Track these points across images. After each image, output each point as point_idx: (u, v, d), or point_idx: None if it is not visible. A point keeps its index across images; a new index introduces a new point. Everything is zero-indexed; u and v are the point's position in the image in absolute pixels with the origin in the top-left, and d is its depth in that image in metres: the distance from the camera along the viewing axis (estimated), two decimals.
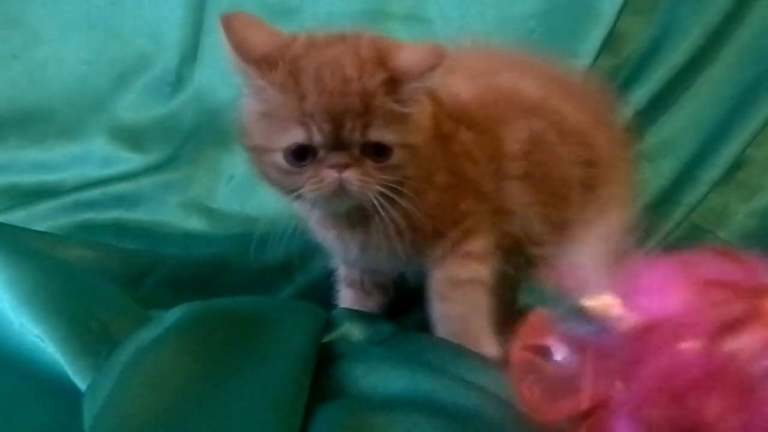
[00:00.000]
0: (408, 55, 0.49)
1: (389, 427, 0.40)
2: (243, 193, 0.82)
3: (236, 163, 0.84)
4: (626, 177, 0.64)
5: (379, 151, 0.49)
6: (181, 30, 0.87)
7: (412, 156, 0.50)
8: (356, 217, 0.53)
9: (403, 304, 0.65)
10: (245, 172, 0.83)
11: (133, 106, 0.87)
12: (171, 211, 0.79)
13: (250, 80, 0.49)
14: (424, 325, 0.58)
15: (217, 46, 0.84)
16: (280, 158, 0.48)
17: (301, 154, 0.48)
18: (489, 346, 0.54)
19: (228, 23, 0.49)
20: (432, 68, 0.48)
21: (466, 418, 0.42)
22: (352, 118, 0.47)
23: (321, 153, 0.48)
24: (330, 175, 0.48)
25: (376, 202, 0.49)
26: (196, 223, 0.79)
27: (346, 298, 0.64)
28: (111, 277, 0.60)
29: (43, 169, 0.84)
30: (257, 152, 0.50)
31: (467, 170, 0.56)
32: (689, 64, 0.82)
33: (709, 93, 0.82)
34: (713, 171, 0.80)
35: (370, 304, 0.63)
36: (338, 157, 0.48)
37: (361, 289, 0.64)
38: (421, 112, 0.51)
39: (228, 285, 0.64)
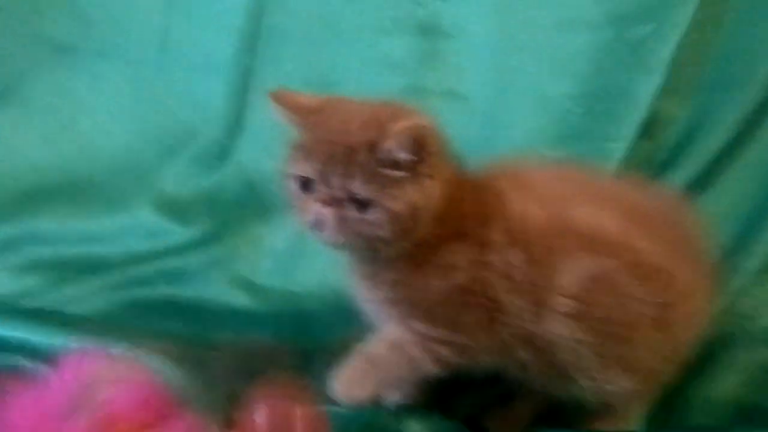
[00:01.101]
0: (401, 125, 0.53)
1: None
2: (286, 267, 0.83)
3: (279, 237, 0.86)
4: (704, 313, 0.63)
5: (359, 203, 0.53)
6: (227, 103, 0.89)
7: (392, 221, 0.54)
8: (365, 270, 0.58)
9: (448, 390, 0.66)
10: (288, 247, 0.85)
11: (178, 178, 0.89)
12: (217, 288, 0.81)
13: (291, 124, 0.57)
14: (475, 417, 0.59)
15: (260, 118, 0.90)
16: (292, 183, 0.56)
17: (305, 185, 0.55)
18: (362, 392, 0.59)
19: (276, 93, 0.58)
20: (406, 139, 0.53)
21: None
22: (336, 165, 0.53)
23: (316, 187, 0.54)
24: (314, 207, 0.54)
25: (354, 251, 0.55)
26: (241, 300, 0.80)
27: None
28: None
29: (90, 241, 0.85)
30: (284, 177, 0.57)
31: (497, 290, 0.56)
32: (726, 149, 0.83)
33: (746, 178, 0.83)
34: (753, 259, 0.79)
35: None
36: (325, 194, 0.54)
37: None
38: (424, 189, 0.54)
39: (280, 370, 0.65)
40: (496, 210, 0.58)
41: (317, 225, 0.55)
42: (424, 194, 0.55)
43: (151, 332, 0.67)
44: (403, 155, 0.53)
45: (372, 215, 0.53)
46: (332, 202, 0.54)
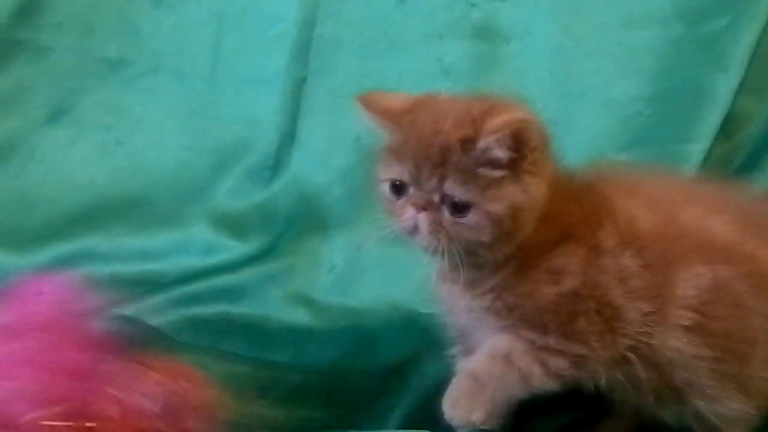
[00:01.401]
0: (498, 120, 0.50)
1: None
2: (345, 283, 0.81)
3: (337, 252, 0.83)
4: None
5: (456, 206, 0.50)
6: (279, 115, 0.87)
7: (492, 223, 0.50)
8: (463, 275, 0.54)
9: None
10: (346, 261, 0.83)
11: (232, 193, 0.87)
12: (274, 304, 0.79)
13: (382, 127, 0.55)
14: None
15: (314, 130, 0.88)
16: (386, 188, 0.54)
17: (398, 189, 0.53)
18: (478, 415, 0.54)
19: (364, 97, 0.55)
20: (503, 135, 0.49)
21: None
22: (430, 167, 0.50)
23: (410, 191, 0.52)
24: (409, 211, 0.52)
25: (455, 257, 0.51)
26: (300, 317, 0.78)
27: None
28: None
29: (145, 257, 0.84)
30: (376, 183, 0.55)
31: (613, 294, 0.53)
32: None
33: None
34: None
35: None
36: (419, 198, 0.51)
37: None
38: (526, 188, 0.51)
39: (345, 393, 0.62)
40: (606, 213, 0.54)
41: (412, 230, 0.52)
42: (526, 193, 0.51)
43: (210, 350, 0.65)
44: (501, 152, 0.50)
45: (470, 218, 0.50)
46: (427, 205, 0.51)
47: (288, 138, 0.87)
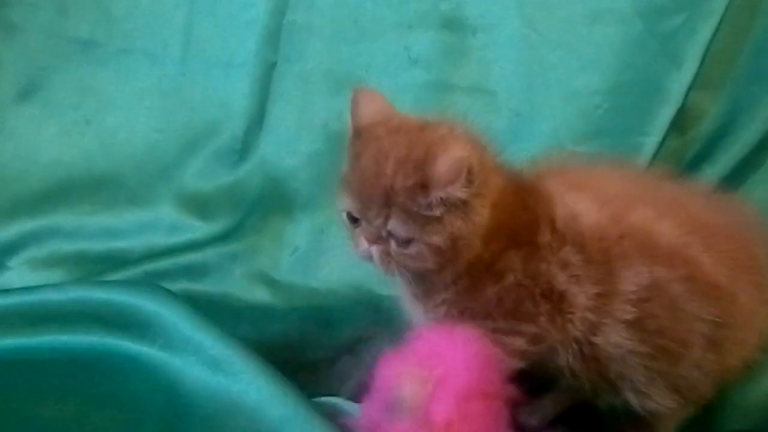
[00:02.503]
0: (441, 164, 0.52)
1: None
2: (307, 264, 0.82)
3: (301, 234, 0.85)
4: (758, 340, 0.60)
5: (399, 240, 0.53)
6: (249, 99, 0.89)
7: (433, 253, 0.53)
8: (420, 292, 0.57)
9: None
10: (309, 243, 0.84)
11: (200, 174, 0.88)
12: (237, 283, 0.80)
13: (348, 143, 0.57)
14: None
15: (283, 115, 0.89)
16: (344, 216, 0.56)
17: (353, 219, 0.55)
18: None
19: (354, 96, 0.57)
20: (453, 182, 0.51)
21: None
22: (375, 207, 0.53)
23: (361, 223, 0.55)
24: (363, 243, 0.55)
25: (405, 278, 0.55)
26: (261, 296, 0.80)
27: None
28: None
29: (111, 236, 0.85)
30: (338, 211, 0.57)
31: (555, 279, 0.55)
32: (760, 143, 0.81)
33: None
34: None
35: None
36: (369, 232, 0.54)
37: None
38: (468, 216, 0.53)
39: (298, 367, 0.64)
40: (544, 212, 0.56)
41: (367, 258, 0.56)
42: (467, 221, 0.53)
43: None
44: (455, 196, 0.52)
45: (412, 250, 0.53)
46: (376, 239, 0.54)
47: (257, 122, 0.89)
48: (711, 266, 0.56)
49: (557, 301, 0.55)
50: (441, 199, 0.51)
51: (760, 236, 0.62)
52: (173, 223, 0.86)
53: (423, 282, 0.56)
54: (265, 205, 0.87)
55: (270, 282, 0.81)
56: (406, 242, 0.53)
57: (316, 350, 0.70)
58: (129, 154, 0.88)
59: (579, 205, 0.57)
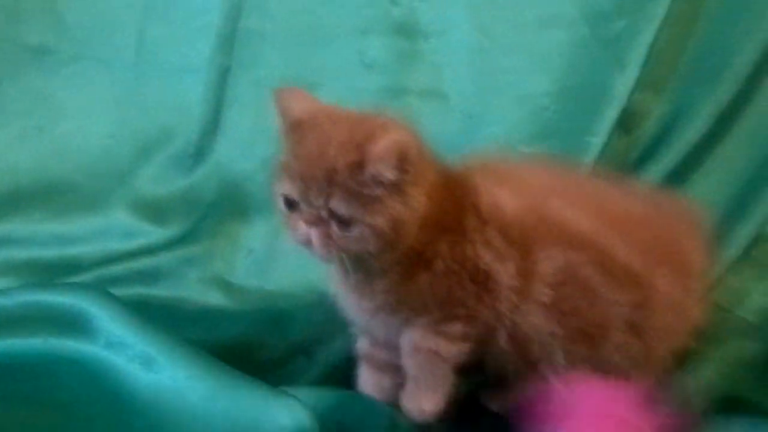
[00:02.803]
0: (382, 145, 0.53)
1: None
2: (262, 267, 0.83)
3: (256, 237, 0.85)
4: (688, 326, 0.62)
5: (342, 221, 0.54)
6: (203, 104, 0.89)
7: (375, 236, 0.54)
8: (355, 279, 0.58)
9: None
10: (265, 246, 0.85)
11: (154, 179, 0.88)
12: (191, 287, 0.80)
13: (281, 136, 0.57)
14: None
15: (237, 119, 0.90)
16: (281, 202, 0.56)
17: (291, 204, 0.56)
18: (428, 404, 0.60)
19: (278, 94, 0.58)
20: (386, 161, 0.53)
21: None
22: (317, 187, 0.54)
23: (301, 206, 0.55)
24: (301, 227, 0.55)
25: (346, 265, 0.55)
26: (216, 299, 0.79)
27: (364, 378, 0.65)
28: None
29: (64, 242, 0.84)
30: (274, 196, 0.57)
31: (480, 260, 0.57)
32: (702, 142, 0.84)
33: (722, 171, 0.83)
34: (729, 249, 0.80)
35: (386, 384, 0.65)
36: (309, 214, 0.54)
37: (377, 367, 0.65)
38: (407, 201, 0.54)
39: (252, 368, 0.64)
40: (470, 202, 0.58)
41: (306, 243, 0.56)
42: (407, 206, 0.55)
43: None
44: (388, 175, 0.53)
45: (355, 232, 0.54)
46: (316, 221, 0.54)
47: (211, 126, 0.89)
48: (624, 253, 0.59)
49: (483, 280, 0.58)
50: (373, 176, 0.53)
51: (692, 229, 0.65)
52: (127, 229, 0.85)
53: (361, 268, 0.57)
54: (220, 209, 0.87)
55: (225, 285, 0.81)
56: (348, 223, 0.53)
57: (269, 351, 0.70)
58: (82, 161, 0.88)
59: (501, 196, 0.59)
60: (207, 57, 0.88)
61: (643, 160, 0.85)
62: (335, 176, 0.53)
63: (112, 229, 0.85)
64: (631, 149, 0.85)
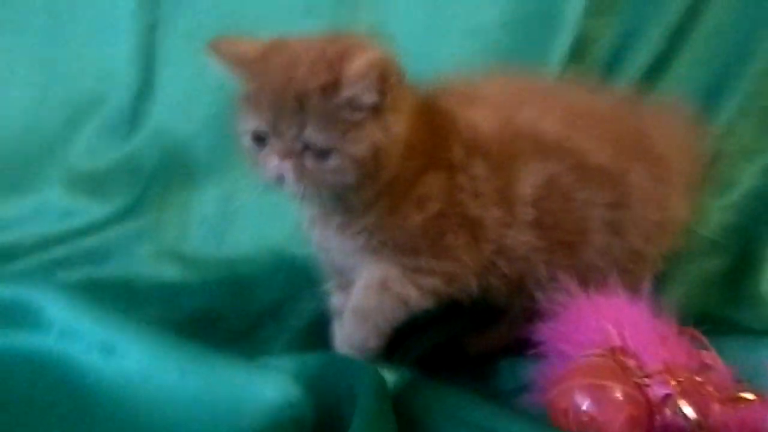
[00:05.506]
0: (359, 63, 0.49)
1: None
2: (218, 234, 0.78)
3: (207, 203, 0.80)
4: (673, 221, 0.62)
5: (318, 152, 0.50)
6: (133, 66, 0.82)
7: (356, 166, 0.51)
8: (335, 219, 0.55)
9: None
10: (218, 211, 0.80)
11: (88, 151, 0.82)
12: (143, 263, 0.76)
13: (235, 75, 0.53)
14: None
15: (172, 79, 0.83)
16: (247, 139, 0.52)
17: (259, 139, 0.52)
18: (373, 341, 0.57)
19: (215, 43, 0.53)
20: (365, 81, 0.49)
21: None
22: (288, 115, 0.49)
23: (271, 140, 0.51)
24: (272, 160, 0.51)
25: (322, 201, 0.52)
26: (171, 273, 0.75)
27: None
28: None
29: None
30: (237, 135, 0.53)
31: (470, 208, 0.55)
32: (655, 64, 0.82)
33: (676, 91, 0.82)
34: None
35: None
36: (280, 147, 0.50)
37: None
38: (387, 126, 0.51)
39: (219, 340, 0.61)
40: (451, 129, 0.55)
41: (278, 180, 0.51)
42: (387, 132, 0.51)
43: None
44: (367, 96, 0.49)
45: (333, 163, 0.50)
46: (289, 154, 0.50)
47: (145, 89, 0.82)
48: (595, 151, 0.57)
49: (472, 228, 0.56)
50: (351, 99, 0.49)
51: (666, 123, 0.64)
52: (65, 207, 0.79)
53: (340, 204, 0.53)
54: (164, 177, 0.81)
55: (179, 258, 0.77)
56: (325, 154, 0.50)
57: (235, 322, 0.67)
58: (6, 136, 0.80)
59: (475, 116, 0.57)
60: (130, 13, 0.81)
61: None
62: (308, 101, 0.49)
63: (48, 209, 0.79)
64: (587, 76, 0.83)
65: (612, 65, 0.83)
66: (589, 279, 0.56)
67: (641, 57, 0.82)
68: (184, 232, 0.79)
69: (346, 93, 0.49)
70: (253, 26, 0.83)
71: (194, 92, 0.82)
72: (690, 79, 0.82)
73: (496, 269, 0.57)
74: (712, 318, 0.68)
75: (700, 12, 0.82)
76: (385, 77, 0.49)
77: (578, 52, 0.82)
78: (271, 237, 0.76)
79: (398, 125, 0.52)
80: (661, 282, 0.69)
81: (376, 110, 0.50)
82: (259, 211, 0.77)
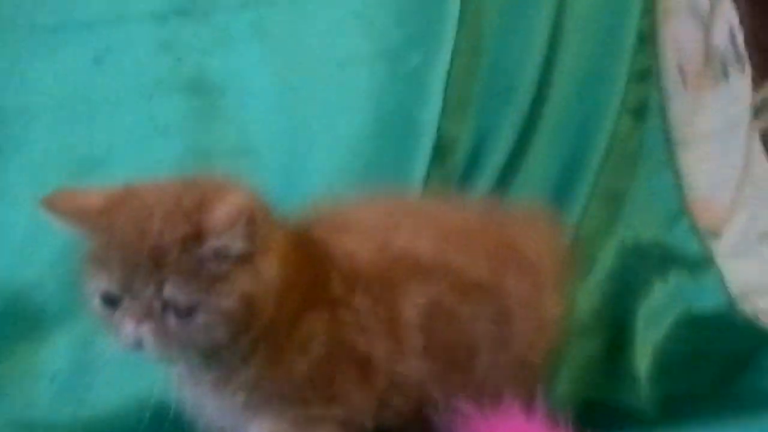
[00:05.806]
0: (222, 211, 0.46)
1: None
2: (73, 392, 0.69)
3: (59, 355, 0.71)
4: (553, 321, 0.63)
5: (180, 310, 0.45)
6: None
7: (225, 320, 0.47)
8: (208, 375, 0.50)
9: None
10: (72, 364, 0.71)
11: None
12: None
13: (76, 231, 0.48)
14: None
15: (11, 217, 0.75)
16: (96, 303, 0.47)
17: (111, 301, 0.47)
18: None
19: (49, 199, 0.49)
20: (231, 229, 0.46)
21: None
22: (143, 273, 0.45)
23: (124, 302, 0.46)
24: (127, 326, 0.46)
25: (190, 362, 0.48)
26: None
27: None
28: None
29: None
30: (86, 297, 0.48)
31: (358, 343, 0.53)
32: (509, 160, 0.87)
33: (531, 185, 0.87)
34: None
35: None
36: (135, 308, 0.46)
37: None
38: (258, 271, 0.48)
39: None
40: (327, 261, 0.53)
41: (136, 345, 0.46)
42: (259, 278, 0.47)
43: None
44: (236, 246, 0.45)
45: (200, 320, 0.45)
46: (148, 316, 0.45)
47: None
48: (471, 267, 0.58)
49: (362, 365, 0.53)
50: (217, 251, 0.45)
51: (532, 227, 0.66)
52: None
53: (213, 362, 0.49)
54: (6, 330, 0.72)
55: (28, 426, 0.66)
56: (189, 311, 0.45)
57: None
58: None
59: (351, 244, 0.55)
60: None
61: (462, 186, 0.86)
62: (165, 256, 0.44)
63: None
64: (450, 178, 0.86)
65: (471, 166, 0.87)
66: (483, 395, 0.55)
67: (497, 155, 0.87)
68: (32, 392, 0.69)
69: (210, 244, 0.45)
70: (106, 154, 0.79)
71: (36, 232, 0.74)
72: (542, 172, 0.87)
73: (391, 401, 0.54)
74: (595, 402, 0.70)
75: (543, 104, 0.88)
76: (252, 221, 0.46)
77: (440, 153, 0.85)
78: (139, 386, 0.68)
79: (270, 268, 0.48)
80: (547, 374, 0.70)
81: (244, 257, 0.47)
82: (123, 358, 0.69)
